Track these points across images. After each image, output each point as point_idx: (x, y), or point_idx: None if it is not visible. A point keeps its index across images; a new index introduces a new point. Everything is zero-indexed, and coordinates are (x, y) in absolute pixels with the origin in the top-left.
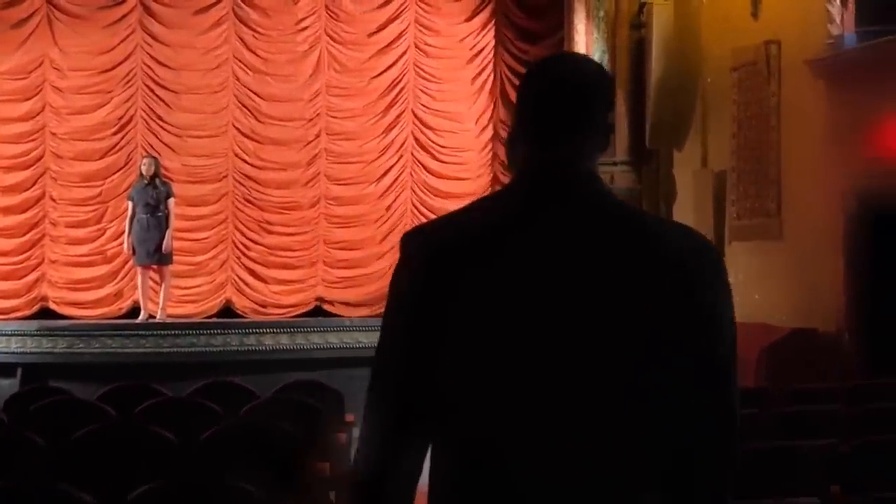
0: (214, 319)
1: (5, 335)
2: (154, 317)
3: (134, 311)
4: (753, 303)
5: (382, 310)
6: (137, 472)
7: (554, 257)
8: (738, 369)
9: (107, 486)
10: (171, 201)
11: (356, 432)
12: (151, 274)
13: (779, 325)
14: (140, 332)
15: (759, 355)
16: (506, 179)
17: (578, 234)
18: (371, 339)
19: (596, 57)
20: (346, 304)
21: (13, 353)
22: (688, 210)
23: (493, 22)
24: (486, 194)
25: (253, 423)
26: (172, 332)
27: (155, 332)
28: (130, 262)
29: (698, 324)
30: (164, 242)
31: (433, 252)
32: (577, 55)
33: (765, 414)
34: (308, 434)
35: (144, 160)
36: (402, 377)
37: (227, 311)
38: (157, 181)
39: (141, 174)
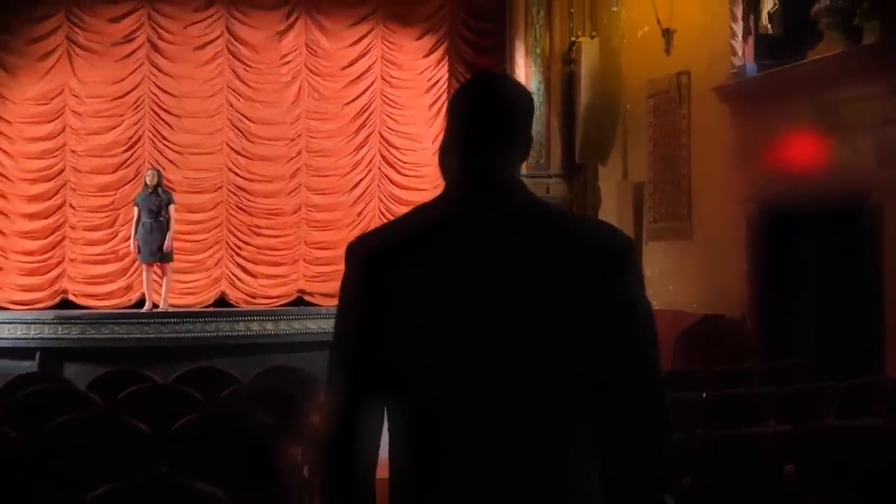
0: (209, 309)
1: (25, 323)
2: (157, 307)
3: (141, 302)
4: (668, 293)
5: None
6: (110, 464)
7: (479, 251)
8: (660, 350)
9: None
10: (172, 207)
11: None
12: (155, 270)
13: (691, 312)
14: (144, 321)
15: (676, 338)
16: None
17: (501, 230)
18: None
19: (533, 87)
20: (324, 295)
21: (32, 338)
22: (611, 216)
23: (446, 58)
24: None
25: (226, 412)
26: (172, 320)
27: (157, 320)
28: (137, 260)
29: (615, 302)
30: (165, 243)
31: (369, 255)
32: (501, 75)
33: (699, 398)
34: (281, 419)
35: (149, 172)
36: (350, 358)
37: (222, 301)
38: (160, 190)
39: (146, 184)
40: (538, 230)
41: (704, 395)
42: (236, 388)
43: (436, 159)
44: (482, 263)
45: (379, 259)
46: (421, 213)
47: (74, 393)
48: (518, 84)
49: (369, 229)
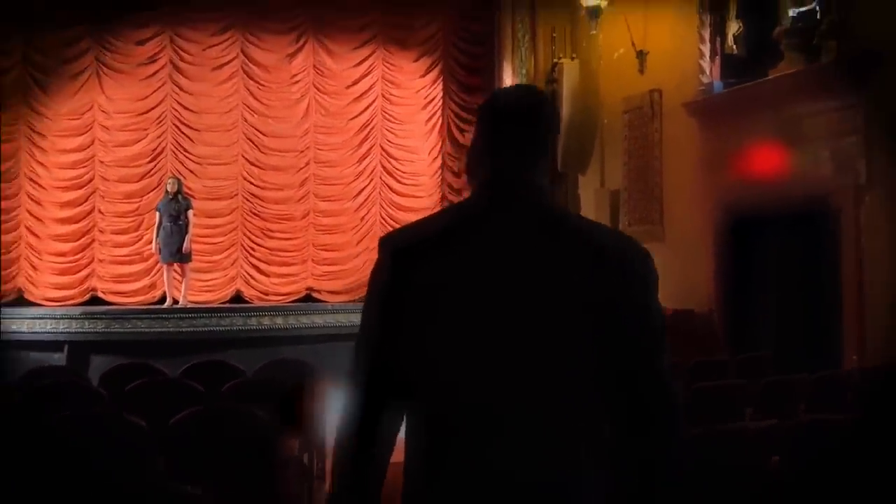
0: (225, 305)
1: (55, 318)
2: (177, 303)
3: (163, 298)
4: None
5: (359, 296)
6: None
7: (499, 252)
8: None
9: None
10: (190, 212)
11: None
12: (175, 269)
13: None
14: (164, 316)
15: None
16: (453, 198)
17: (521, 233)
18: (349, 319)
19: None
20: (331, 292)
21: (62, 332)
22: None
23: (441, 78)
24: (452, 203)
25: (223, 407)
26: (190, 315)
27: (176, 316)
28: (159, 261)
29: (630, 306)
30: (184, 245)
31: (397, 248)
32: (527, 87)
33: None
34: (281, 411)
35: (170, 180)
36: (373, 357)
37: (238, 298)
38: (180, 197)
39: (167, 191)
40: (556, 232)
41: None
42: (240, 380)
43: (431, 169)
44: (500, 261)
45: (406, 252)
46: (450, 212)
47: (82, 386)
48: (543, 96)
49: (398, 228)
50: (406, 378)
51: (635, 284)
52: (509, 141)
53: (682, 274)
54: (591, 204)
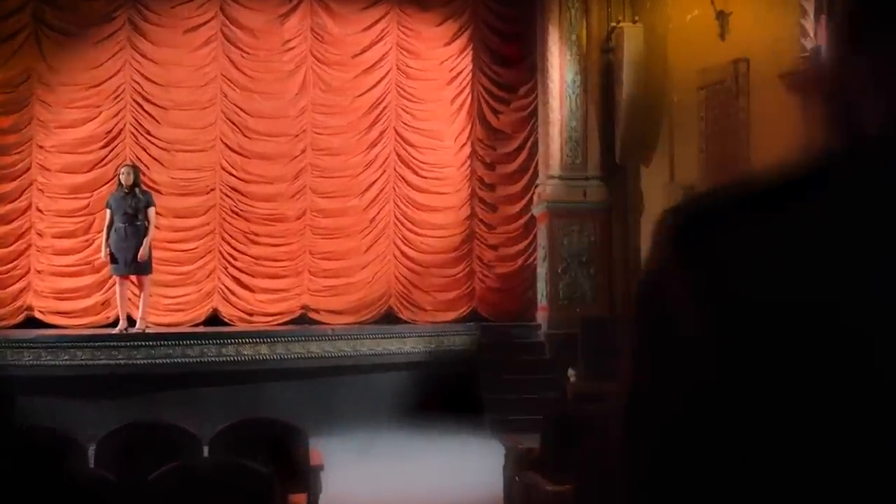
0: (192, 329)
1: None
2: (134, 326)
3: (118, 321)
4: None
5: (369, 317)
6: None
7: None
8: None
9: None
10: (152, 210)
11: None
12: (131, 283)
13: None
14: (112, 343)
15: None
16: (485, 195)
17: None
18: (355, 348)
19: (568, 79)
20: (331, 311)
21: None
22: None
23: (470, 47)
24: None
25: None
26: (147, 343)
27: (128, 344)
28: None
29: None
30: (141, 251)
31: (707, 240)
32: None
33: None
34: None
35: (123, 169)
36: (664, 456)
37: (214, 319)
38: (137, 190)
39: (120, 183)
40: None
41: None
42: (175, 466)
43: (457, 159)
44: None
45: (729, 241)
46: (808, 169)
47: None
48: None
49: (692, 196)
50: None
51: None
52: None
53: None
54: (657, 203)
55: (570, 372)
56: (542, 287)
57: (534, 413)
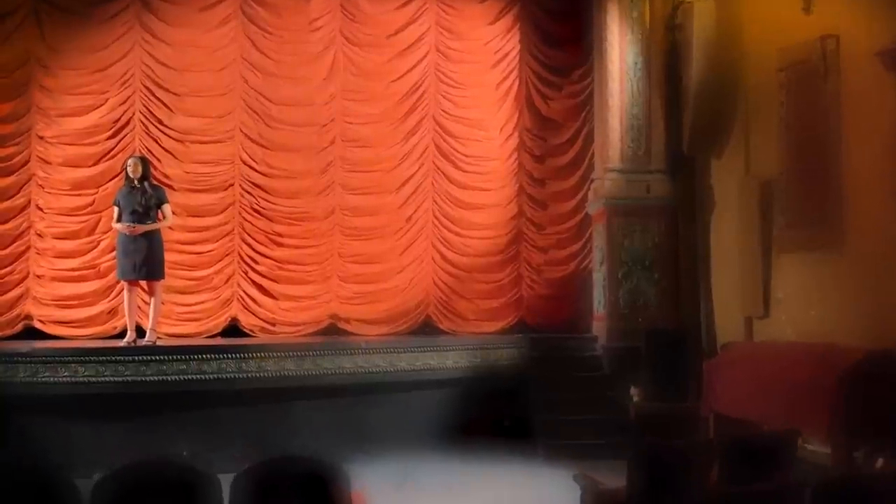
0: (209, 342)
1: None
2: (143, 338)
3: (126, 332)
4: (809, 320)
5: (403, 327)
6: None
7: None
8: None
9: None
10: (167, 208)
11: None
12: (141, 289)
13: (849, 346)
14: (119, 358)
15: (839, 381)
16: (534, 191)
17: None
18: (392, 363)
19: (629, 61)
20: (363, 321)
21: None
22: (728, 220)
23: (517, 26)
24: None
25: None
26: (157, 358)
27: (136, 358)
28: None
29: None
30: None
31: None
32: None
33: None
34: None
35: (130, 160)
36: None
37: (233, 329)
38: (146, 184)
39: (127, 176)
40: None
41: None
42: None
43: (503, 151)
44: None
45: None
46: None
47: None
48: None
49: None
50: None
51: None
52: None
53: (874, 299)
54: (731, 198)
55: (633, 391)
56: (598, 294)
57: (593, 437)
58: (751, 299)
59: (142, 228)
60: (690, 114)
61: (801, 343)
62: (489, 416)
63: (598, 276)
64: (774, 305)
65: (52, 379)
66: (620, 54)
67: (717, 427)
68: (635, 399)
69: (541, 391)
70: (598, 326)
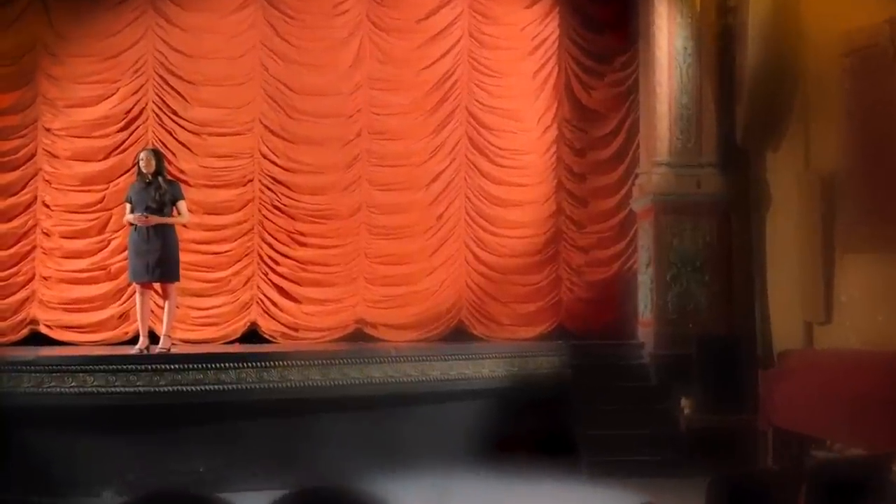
0: (229, 349)
1: None
2: (156, 344)
3: (138, 338)
4: (876, 326)
5: (434, 333)
6: None
7: None
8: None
9: None
10: (182, 205)
11: None
12: (154, 292)
13: None
14: (130, 366)
15: None
16: (574, 187)
17: None
18: (423, 371)
19: (678, 46)
20: (391, 326)
21: None
22: (785, 217)
23: (556, 9)
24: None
25: None
26: (172, 366)
27: (149, 366)
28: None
29: None
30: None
31: None
32: None
33: None
34: None
35: (142, 154)
36: None
37: (253, 335)
38: (161, 179)
39: (139, 170)
40: None
41: None
42: None
43: (541, 144)
44: None
45: None
46: None
47: None
48: None
49: None
50: None
51: None
52: None
53: None
54: (790, 194)
55: (683, 402)
56: (644, 298)
57: (640, 453)
58: (811, 303)
59: (155, 219)
60: (745, 103)
61: (866, 351)
62: (528, 429)
63: (644, 279)
64: (837, 310)
65: (58, 389)
66: (669, 39)
67: (777, 442)
68: (686, 411)
69: (583, 403)
70: (644, 333)
